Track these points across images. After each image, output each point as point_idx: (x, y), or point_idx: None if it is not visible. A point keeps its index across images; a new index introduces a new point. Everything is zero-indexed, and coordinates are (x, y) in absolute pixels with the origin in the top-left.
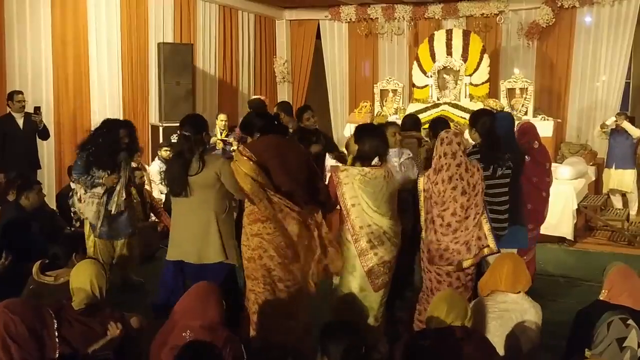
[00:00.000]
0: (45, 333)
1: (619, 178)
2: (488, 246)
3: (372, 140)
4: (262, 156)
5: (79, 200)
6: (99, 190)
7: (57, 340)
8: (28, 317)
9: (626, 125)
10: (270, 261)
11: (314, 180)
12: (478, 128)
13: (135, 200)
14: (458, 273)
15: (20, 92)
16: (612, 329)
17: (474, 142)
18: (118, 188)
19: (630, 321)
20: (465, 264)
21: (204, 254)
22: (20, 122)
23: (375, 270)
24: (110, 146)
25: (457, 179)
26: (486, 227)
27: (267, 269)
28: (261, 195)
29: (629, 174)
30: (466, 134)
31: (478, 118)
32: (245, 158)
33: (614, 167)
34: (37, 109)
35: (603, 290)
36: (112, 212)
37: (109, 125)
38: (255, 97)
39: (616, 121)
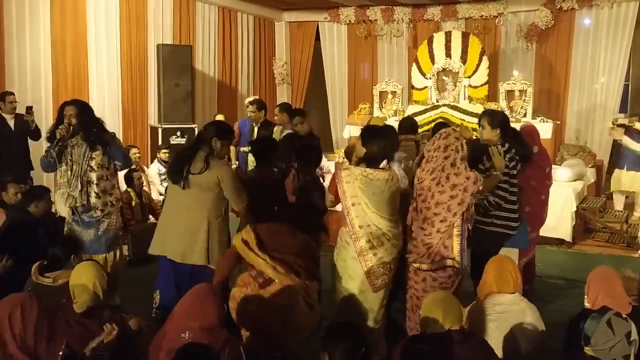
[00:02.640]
0: (50, 335)
1: (631, 180)
2: (453, 259)
3: (380, 142)
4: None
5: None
6: (64, 179)
7: (63, 347)
8: (41, 312)
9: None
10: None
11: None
12: (499, 126)
13: (134, 202)
14: (427, 274)
15: (12, 93)
16: (616, 326)
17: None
18: (73, 180)
19: (625, 315)
20: (416, 265)
21: (188, 255)
22: (11, 123)
23: (374, 271)
24: (57, 122)
25: (439, 170)
26: (456, 241)
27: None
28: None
29: None
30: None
31: (496, 116)
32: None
33: (625, 168)
34: (29, 109)
35: (585, 297)
36: (73, 205)
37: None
38: (255, 97)
39: (631, 124)
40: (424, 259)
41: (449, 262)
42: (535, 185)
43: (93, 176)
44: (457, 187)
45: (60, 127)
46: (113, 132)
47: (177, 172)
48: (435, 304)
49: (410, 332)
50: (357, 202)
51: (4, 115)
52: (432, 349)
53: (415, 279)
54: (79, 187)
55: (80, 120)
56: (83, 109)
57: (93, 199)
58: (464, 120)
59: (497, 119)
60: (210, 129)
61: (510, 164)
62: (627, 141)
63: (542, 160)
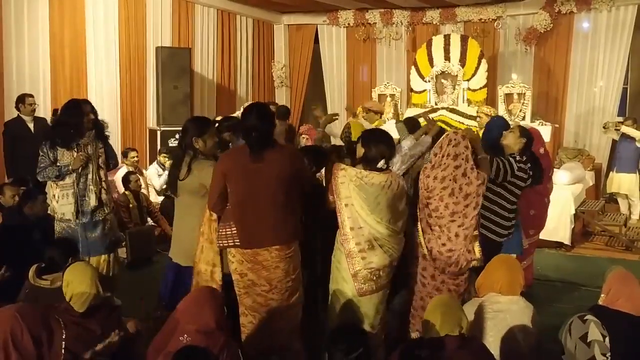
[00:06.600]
0: (49, 344)
1: (621, 181)
2: (476, 259)
3: (378, 144)
4: (228, 170)
5: (56, 200)
6: (69, 180)
7: (62, 351)
8: (36, 326)
9: (626, 129)
10: (240, 265)
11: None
12: (526, 136)
13: (131, 205)
14: (443, 277)
15: (31, 96)
16: (573, 330)
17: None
18: (91, 176)
19: (588, 316)
20: (449, 269)
21: (190, 257)
22: (30, 125)
23: (361, 275)
24: (78, 123)
25: (450, 180)
26: (477, 244)
27: (240, 274)
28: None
29: (631, 178)
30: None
31: (526, 129)
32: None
33: (616, 170)
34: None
35: (602, 295)
36: (91, 205)
37: (73, 103)
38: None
39: (617, 127)
40: (451, 268)
41: (473, 263)
42: (540, 189)
43: (102, 173)
44: (471, 196)
45: (80, 154)
46: None
47: (170, 182)
48: (436, 307)
49: (413, 328)
50: (351, 202)
51: (24, 117)
52: (430, 354)
53: (423, 281)
54: (99, 185)
55: (95, 119)
56: (94, 108)
57: (104, 196)
58: (463, 123)
59: (526, 131)
60: (186, 130)
61: (527, 179)
62: (627, 130)
63: (547, 163)
